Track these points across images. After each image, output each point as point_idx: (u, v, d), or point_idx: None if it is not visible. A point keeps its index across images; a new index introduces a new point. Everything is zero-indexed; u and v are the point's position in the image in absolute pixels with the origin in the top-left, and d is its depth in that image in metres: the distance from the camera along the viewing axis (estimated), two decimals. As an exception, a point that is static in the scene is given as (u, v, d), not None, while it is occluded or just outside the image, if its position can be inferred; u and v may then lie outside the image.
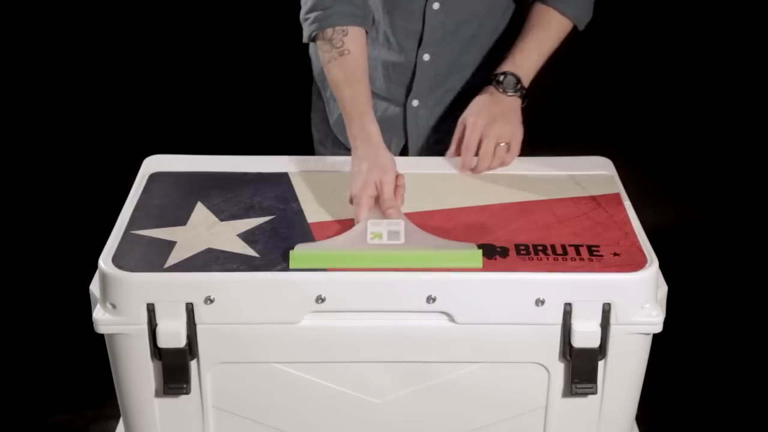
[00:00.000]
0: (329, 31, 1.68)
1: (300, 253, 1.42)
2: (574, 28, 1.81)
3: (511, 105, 1.72)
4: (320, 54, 1.71)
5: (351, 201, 1.56)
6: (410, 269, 1.41)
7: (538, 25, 1.78)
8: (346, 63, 1.67)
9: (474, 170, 1.68)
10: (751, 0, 3.23)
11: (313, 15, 1.70)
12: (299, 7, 1.75)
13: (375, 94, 1.88)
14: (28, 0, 3.39)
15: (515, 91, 1.73)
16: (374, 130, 1.63)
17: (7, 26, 3.40)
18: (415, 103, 1.86)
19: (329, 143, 1.98)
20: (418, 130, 1.88)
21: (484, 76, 1.78)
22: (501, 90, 1.73)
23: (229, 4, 3.38)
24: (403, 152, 1.91)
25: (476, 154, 1.69)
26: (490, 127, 1.68)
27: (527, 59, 1.75)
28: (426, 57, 1.82)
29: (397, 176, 1.58)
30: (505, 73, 1.73)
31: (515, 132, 1.70)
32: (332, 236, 1.48)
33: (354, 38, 1.69)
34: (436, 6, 1.76)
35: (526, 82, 1.75)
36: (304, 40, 1.74)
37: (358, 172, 1.57)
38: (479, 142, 1.68)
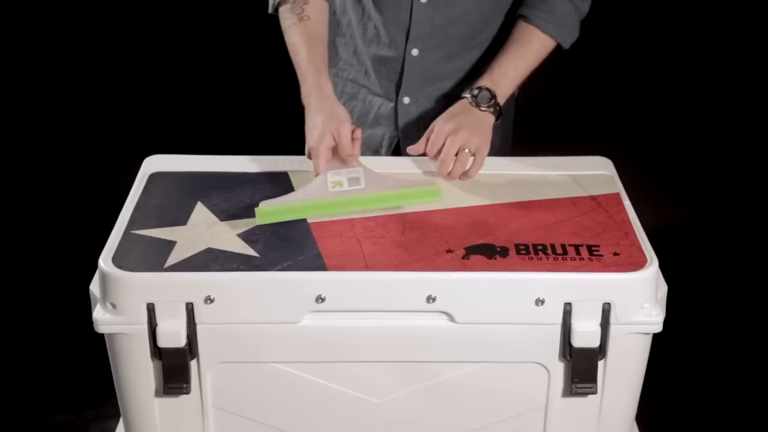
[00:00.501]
0: None
1: (265, 209, 1.49)
2: (559, 46, 1.80)
3: (483, 119, 1.70)
4: (282, 23, 1.76)
5: (308, 155, 1.60)
6: (374, 207, 1.51)
7: (518, 42, 1.77)
8: (304, 27, 1.72)
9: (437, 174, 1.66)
10: (751, 0, 3.23)
11: None
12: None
13: (369, 90, 1.90)
14: (28, 0, 3.39)
15: (488, 107, 1.71)
16: (328, 86, 1.66)
17: (7, 26, 3.40)
18: (406, 100, 1.87)
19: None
20: (410, 127, 1.89)
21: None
22: (474, 104, 1.71)
23: (229, 4, 3.37)
24: (396, 149, 1.92)
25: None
26: (457, 134, 1.66)
27: (504, 76, 1.74)
28: (415, 52, 1.82)
29: (354, 130, 1.61)
30: (480, 88, 1.72)
31: (482, 144, 1.67)
32: (332, 236, 1.48)
33: (315, 8, 1.75)
34: None
35: (501, 99, 1.73)
36: (269, 10, 1.79)
37: (314, 125, 1.61)
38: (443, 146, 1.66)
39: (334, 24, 1.87)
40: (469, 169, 1.65)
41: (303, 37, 1.72)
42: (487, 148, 1.68)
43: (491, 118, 1.71)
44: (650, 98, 3.36)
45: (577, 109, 3.37)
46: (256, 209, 1.49)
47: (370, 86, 1.90)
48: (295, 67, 1.72)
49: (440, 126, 1.67)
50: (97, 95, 3.44)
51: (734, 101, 3.33)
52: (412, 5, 1.78)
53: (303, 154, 1.71)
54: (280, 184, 1.62)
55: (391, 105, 1.89)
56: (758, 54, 3.29)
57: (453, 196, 1.60)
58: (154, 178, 1.65)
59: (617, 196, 1.61)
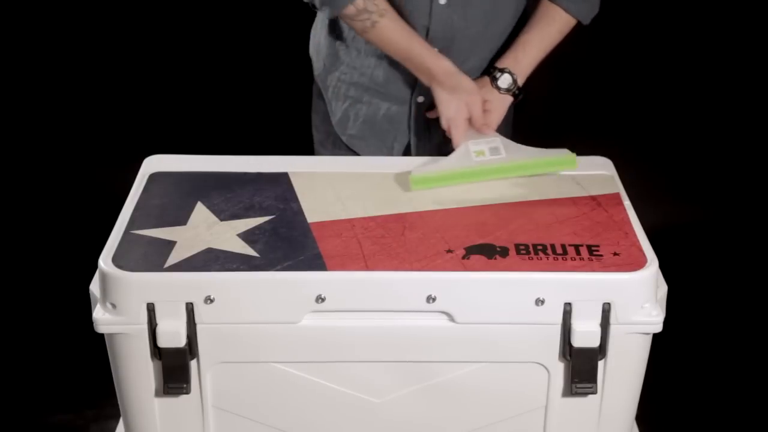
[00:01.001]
0: (360, 1, 1.72)
1: (420, 176, 1.60)
2: (579, 22, 1.84)
3: (500, 99, 1.79)
4: (354, 25, 1.75)
5: (447, 128, 1.73)
6: (516, 175, 1.64)
7: (542, 21, 1.82)
8: (392, 19, 1.75)
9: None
10: (751, 0, 3.23)
11: None
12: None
13: (375, 92, 1.89)
14: (28, 0, 3.39)
15: (507, 90, 1.79)
16: (450, 64, 1.75)
17: (7, 26, 3.40)
18: (420, 99, 1.87)
19: (329, 144, 1.98)
20: (423, 128, 1.88)
21: None
22: (495, 86, 1.79)
23: (230, 4, 3.37)
24: (407, 152, 1.92)
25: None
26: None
27: (528, 55, 1.80)
28: None
29: (485, 101, 1.75)
30: (502, 70, 1.78)
31: (489, 123, 1.76)
32: (332, 236, 1.48)
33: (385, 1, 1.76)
34: (442, 1, 1.77)
35: (521, 79, 1.80)
36: (331, 15, 1.77)
37: (448, 100, 1.73)
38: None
39: (338, 29, 1.86)
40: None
41: (402, 29, 1.75)
42: (494, 126, 1.77)
43: (509, 99, 1.80)
44: (650, 98, 3.36)
45: (577, 109, 3.37)
46: (410, 176, 1.59)
47: (377, 88, 1.88)
48: (404, 57, 1.77)
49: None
50: (97, 95, 3.44)
51: (734, 101, 3.33)
52: (431, 7, 1.78)
53: (303, 154, 1.71)
54: (280, 184, 1.62)
55: (404, 107, 1.89)
56: (758, 54, 3.29)
57: (453, 196, 1.60)
58: (154, 178, 1.65)
59: (617, 196, 1.61)
